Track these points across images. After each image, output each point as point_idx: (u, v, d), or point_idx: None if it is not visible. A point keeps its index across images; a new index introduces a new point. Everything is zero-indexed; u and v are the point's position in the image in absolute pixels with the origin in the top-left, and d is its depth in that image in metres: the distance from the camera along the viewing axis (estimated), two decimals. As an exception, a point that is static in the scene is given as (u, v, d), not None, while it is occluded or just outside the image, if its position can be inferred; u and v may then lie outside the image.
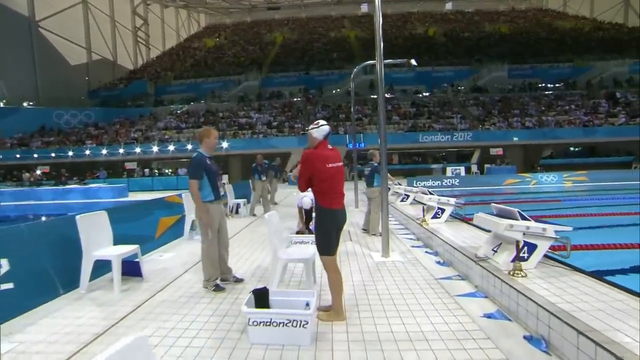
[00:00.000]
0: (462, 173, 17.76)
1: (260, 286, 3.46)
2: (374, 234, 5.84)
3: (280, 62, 36.86)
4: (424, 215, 5.60)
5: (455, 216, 5.99)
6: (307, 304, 2.56)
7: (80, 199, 16.92)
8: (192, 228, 6.10)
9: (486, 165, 20.99)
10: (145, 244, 5.28)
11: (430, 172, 20.88)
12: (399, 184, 9.36)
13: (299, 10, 57.41)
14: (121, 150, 24.05)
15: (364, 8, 54.33)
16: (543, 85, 29.73)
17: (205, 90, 33.25)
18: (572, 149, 24.60)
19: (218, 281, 3.59)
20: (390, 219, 7.85)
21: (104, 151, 24.24)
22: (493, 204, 3.57)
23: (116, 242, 3.98)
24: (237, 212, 8.82)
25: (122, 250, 3.62)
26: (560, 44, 35.80)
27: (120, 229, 4.60)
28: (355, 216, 8.25)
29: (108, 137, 26.62)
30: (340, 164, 2.84)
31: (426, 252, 4.82)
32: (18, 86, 28.91)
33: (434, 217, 5.63)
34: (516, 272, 2.93)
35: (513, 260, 3.02)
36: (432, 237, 4.92)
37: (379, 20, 4.46)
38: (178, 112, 30.40)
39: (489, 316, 2.76)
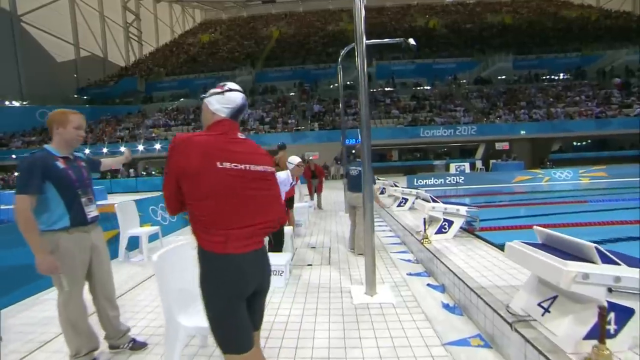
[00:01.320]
0: (467, 169, 16.29)
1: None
2: (361, 254, 4.49)
3: (276, 57, 35.50)
4: (425, 230, 4.21)
5: (464, 228, 4.62)
6: None
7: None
8: (129, 248, 4.78)
9: (492, 161, 19.53)
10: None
11: (432, 168, 19.40)
12: (396, 185, 7.98)
13: (296, 5, 56.11)
14: (105, 150, 22.75)
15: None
16: (549, 77, 28.21)
17: (197, 87, 31.94)
18: (575, 143, 23.14)
19: (96, 353, 2.26)
20: (383, 228, 6.48)
21: (87, 151, 22.86)
22: (536, 227, 2.18)
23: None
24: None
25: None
26: (567, 33, 34.35)
27: (7, 258, 3.31)
28: (342, 224, 6.91)
29: (93, 135, 25.39)
30: (264, 168, 1.41)
31: (428, 284, 3.46)
32: (-1, 83, 27.58)
33: (439, 231, 4.26)
34: (598, 363, 1.57)
35: (588, 337, 1.68)
36: (437, 262, 3.57)
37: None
38: (168, 108, 29.13)
39: None
